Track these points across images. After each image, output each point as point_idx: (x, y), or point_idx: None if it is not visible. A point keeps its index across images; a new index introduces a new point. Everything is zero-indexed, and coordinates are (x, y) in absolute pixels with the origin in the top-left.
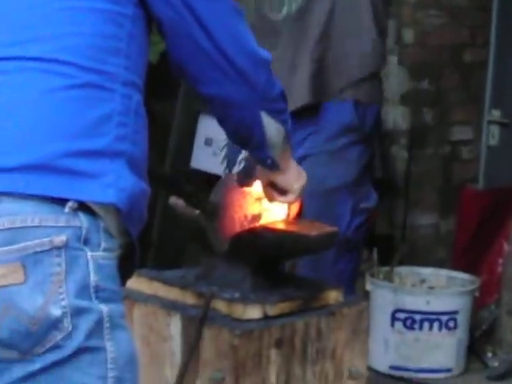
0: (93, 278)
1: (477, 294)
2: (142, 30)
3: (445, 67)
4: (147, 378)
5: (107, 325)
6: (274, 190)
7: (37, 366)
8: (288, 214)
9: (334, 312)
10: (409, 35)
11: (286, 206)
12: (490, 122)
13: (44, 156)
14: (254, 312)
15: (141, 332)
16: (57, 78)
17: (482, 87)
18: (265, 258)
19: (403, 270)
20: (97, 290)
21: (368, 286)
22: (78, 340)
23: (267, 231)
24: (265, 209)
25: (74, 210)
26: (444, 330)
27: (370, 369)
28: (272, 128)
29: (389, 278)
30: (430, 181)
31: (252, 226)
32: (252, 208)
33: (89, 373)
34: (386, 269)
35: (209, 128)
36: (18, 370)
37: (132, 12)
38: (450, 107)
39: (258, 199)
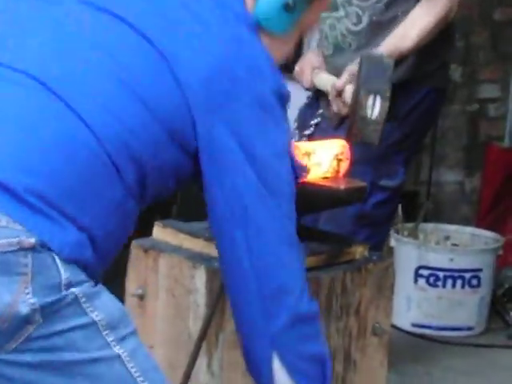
0: (64, 276)
1: (500, 252)
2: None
3: (474, 25)
4: (171, 329)
5: (83, 299)
6: None
7: (28, 358)
8: (337, 171)
9: (359, 267)
10: None
11: (333, 162)
12: None
13: (21, 183)
14: None
15: (166, 284)
16: (82, 135)
17: (510, 46)
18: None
19: (428, 226)
20: (69, 285)
21: (392, 243)
22: (54, 327)
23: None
24: (313, 164)
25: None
26: (467, 288)
27: (392, 326)
28: (281, 377)
29: (413, 234)
30: (456, 138)
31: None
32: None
33: (88, 348)
34: (410, 225)
35: None
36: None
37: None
38: (478, 65)
39: (307, 154)
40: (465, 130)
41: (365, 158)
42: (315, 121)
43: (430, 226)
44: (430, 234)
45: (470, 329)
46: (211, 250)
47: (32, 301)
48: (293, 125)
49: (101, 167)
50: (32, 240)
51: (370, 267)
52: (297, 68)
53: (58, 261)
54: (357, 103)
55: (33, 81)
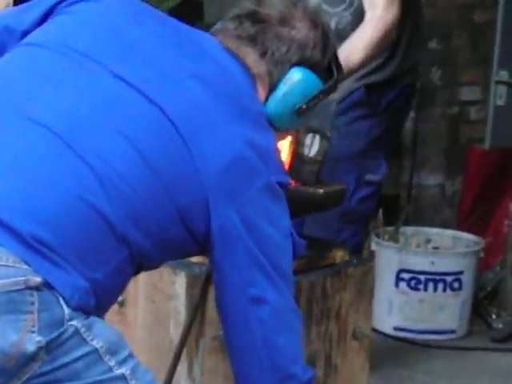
0: (67, 311)
1: (482, 254)
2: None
3: (453, 27)
4: (152, 336)
5: (83, 329)
6: None
7: None
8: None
9: (339, 271)
10: None
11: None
12: (497, 83)
13: (28, 231)
14: None
15: (146, 290)
16: (94, 198)
17: (490, 48)
18: None
19: (408, 230)
20: (71, 318)
21: (373, 246)
22: (58, 361)
23: None
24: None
25: None
26: (448, 291)
27: (373, 330)
28: None
29: (394, 238)
30: (436, 141)
31: None
32: None
33: (91, 375)
34: (391, 229)
35: None
36: None
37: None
38: (458, 67)
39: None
40: (445, 133)
41: (348, 155)
42: None
43: (410, 229)
44: (410, 237)
45: (452, 332)
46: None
47: (38, 339)
48: None
49: (108, 232)
50: (38, 279)
51: (350, 271)
52: None
53: (61, 299)
54: (296, 140)
55: (56, 138)
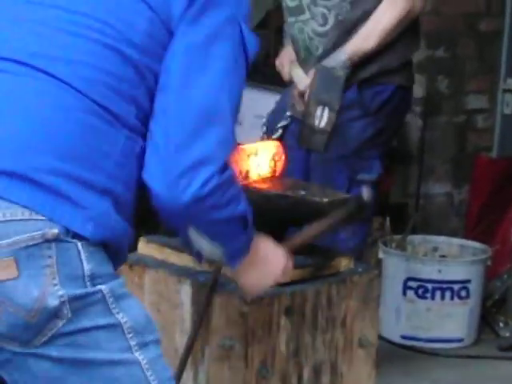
0: (87, 267)
1: (489, 263)
2: None
3: (460, 36)
4: None
5: (111, 300)
6: None
7: (54, 353)
8: (274, 171)
9: (344, 280)
10: None
11: (271, 162)
12: (505, 91)
13: (31, 166)
14: None
15: (151, 299)
16: (70, 99)
17: (497, 56)
18: (276, 224)
19: (416, 238)
20: (92, 277)
21: (380, 255)
22: (82, 323)
23: (279, 198)
24: (252, 165)
25: None
26: (456, 299)
27: (381, 338)
28: (202, 244)
29: (401, 246)
30: (444, 149)
31: (245, 182)
32: (244, 164)
33: (110, 349)
34: (398, 237)
35: None
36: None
37: (159, 68)
38: (465, 76)
39: (249, 155)
40: (452, 142)
41: (341, 155)
42: (283, 123)
43: (417, 237)
44: (418, 245)
45: (459, 340)
46: (196, 264)
47: (60, 293)
48: (261, 130)
49: (97, 120)
50: (55, 230)
51: (356, 279)
52: (277, 62)
53: (80, 249)
54: (306, 112)
55: (16, 64)
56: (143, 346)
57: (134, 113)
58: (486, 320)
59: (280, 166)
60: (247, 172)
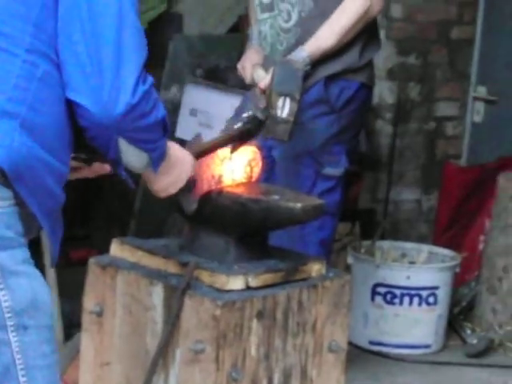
0: None
1: (457, 270)
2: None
3: (432, 43)
4: (129, 346)
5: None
6: None
7: None
8: (250, 176)
9: (315, 285)
10: (397, 10)
11: (247, 168)
12: (475, 99)
13: None
14: (236, 283)
15: (123, 301)
16: None
17: (468, 64)
18: (248, 229)
19: (385, 244)
20: None
21: (349, 260)
22: None
23: (252, 202)
24: (226, 170)
25: None
26: (424, 306)
27: (349, 343)
28: (130, 155)
29: (370, 252)
30: (413, 156)
31: (218, 187)
32: (217, 169)
33: None
34: (367, 243)
35: (194, 99)
36: None
37: None
38: (436, 83)
39: (223, 160)
40: (422, 149)
41: (307, 150)
42: (239, 125)
43: (386, 243)
44: (386, 251)
45: (427, 347)
46: (169, 267)
47: None
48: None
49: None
50: None
51: (327, 284)
52: (239, 66)
53: None
54: (268, 104)
55: None
56: (21, 328)
57: (30, 32)
58: (454, 327)
59: (256, 171)
60: (220, 176)
